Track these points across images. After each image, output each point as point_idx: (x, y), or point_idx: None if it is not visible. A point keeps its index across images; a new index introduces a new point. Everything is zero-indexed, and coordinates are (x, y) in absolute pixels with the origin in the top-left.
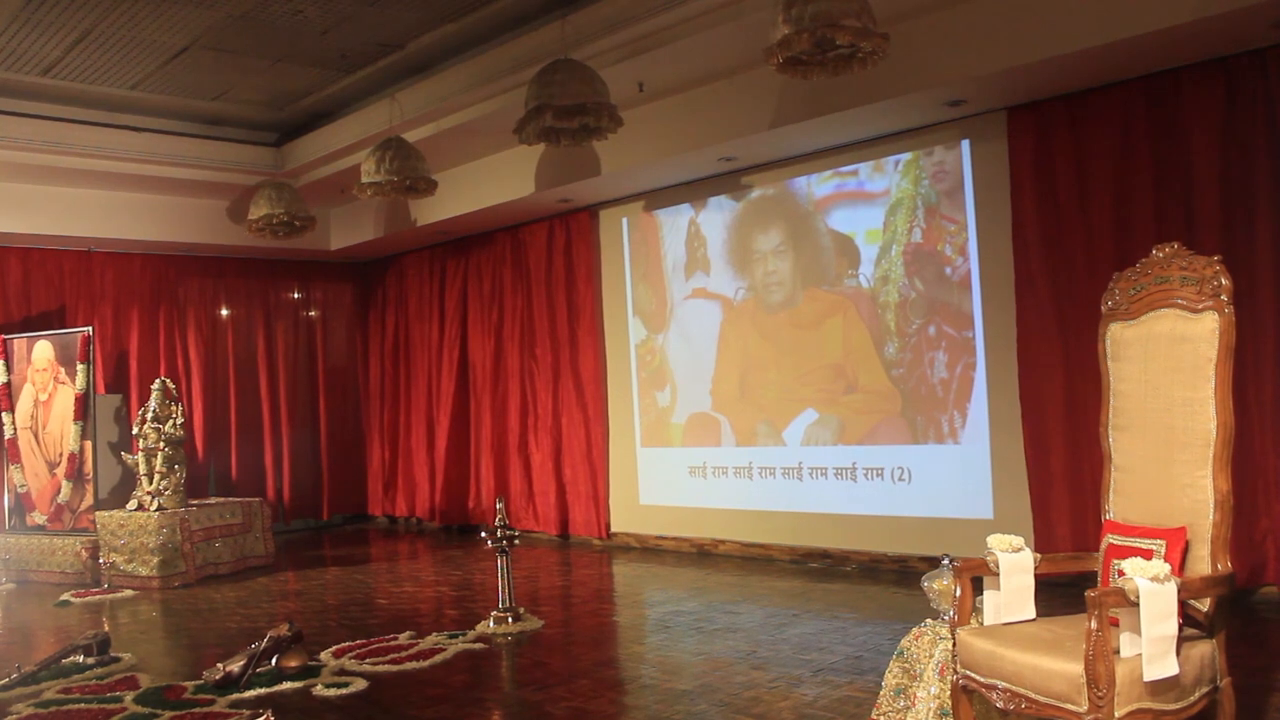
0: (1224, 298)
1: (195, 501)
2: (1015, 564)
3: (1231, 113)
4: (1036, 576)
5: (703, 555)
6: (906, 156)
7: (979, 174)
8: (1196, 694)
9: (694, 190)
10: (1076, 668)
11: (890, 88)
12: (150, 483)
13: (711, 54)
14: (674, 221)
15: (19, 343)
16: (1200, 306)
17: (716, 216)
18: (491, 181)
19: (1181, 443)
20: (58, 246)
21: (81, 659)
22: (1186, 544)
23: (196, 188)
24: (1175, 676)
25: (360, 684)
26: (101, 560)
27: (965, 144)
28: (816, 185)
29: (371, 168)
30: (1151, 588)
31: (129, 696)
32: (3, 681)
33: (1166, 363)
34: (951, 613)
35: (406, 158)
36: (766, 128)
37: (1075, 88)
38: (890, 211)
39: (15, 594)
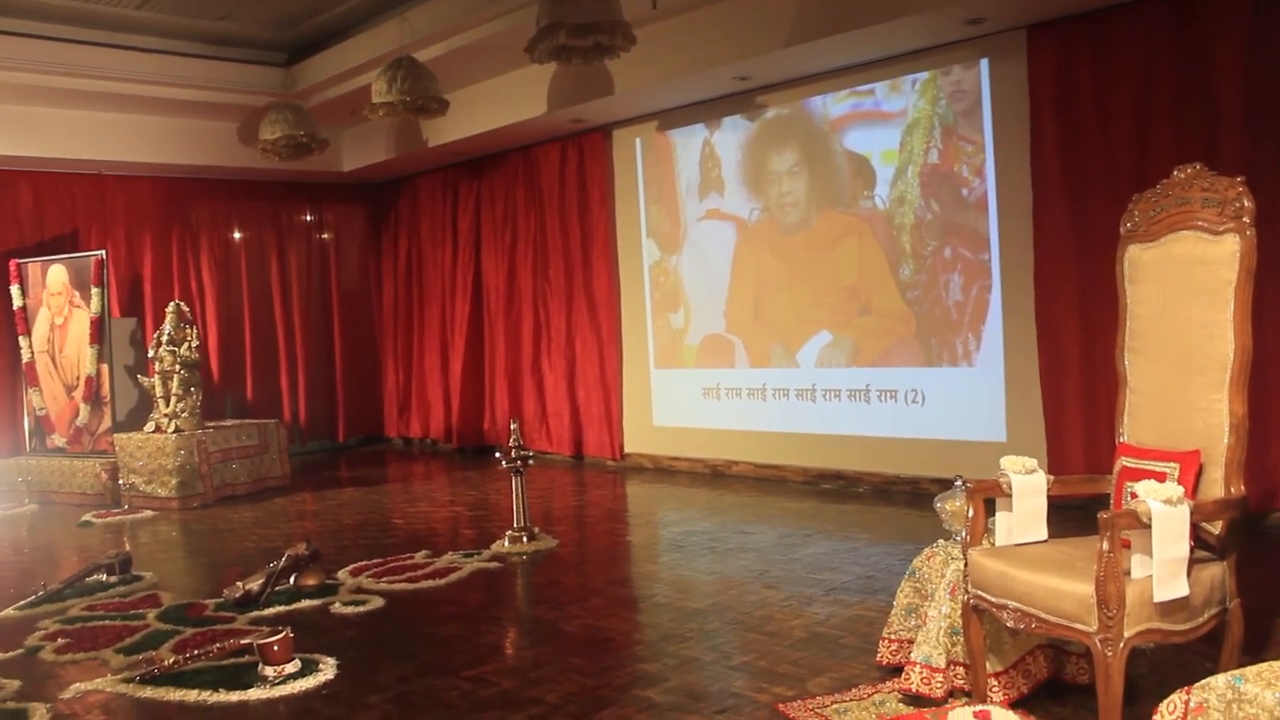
0: (1246, 220)
1: (212, 424)
2: (1028, 486)
3: (1258, 31)
4: (1049, 498)
5: (716, 476)
6: (924, 76)
7: (997, 94)
8: (1206, 615)
9: (708, 110)
10: (1087, 588)
11: (908, 4)
12: (167, 405)
13: None
14: (688, 142)
15: (33, 267)
16: (1221, 229)
17: (731, 137)
18: (503, 102)
19: (1198, 366)
20: (68, 170)
21: (104, 577)
22: (1200, 467)
23: (205, 109)
24: (1185, 598)
25: (377, 602)
26: (121, 482)
27: (984, 63)
28: (832, 105)
29: (382, 88)
30: (1164, 510)
31: (152, 614)
32: (29, 599)
33: (1185, 285)
34: (964, 533)
35: (418, 78)
36: (782, 46)
37: (1097, 5)
38: (907, 132)
39: (38, 514)
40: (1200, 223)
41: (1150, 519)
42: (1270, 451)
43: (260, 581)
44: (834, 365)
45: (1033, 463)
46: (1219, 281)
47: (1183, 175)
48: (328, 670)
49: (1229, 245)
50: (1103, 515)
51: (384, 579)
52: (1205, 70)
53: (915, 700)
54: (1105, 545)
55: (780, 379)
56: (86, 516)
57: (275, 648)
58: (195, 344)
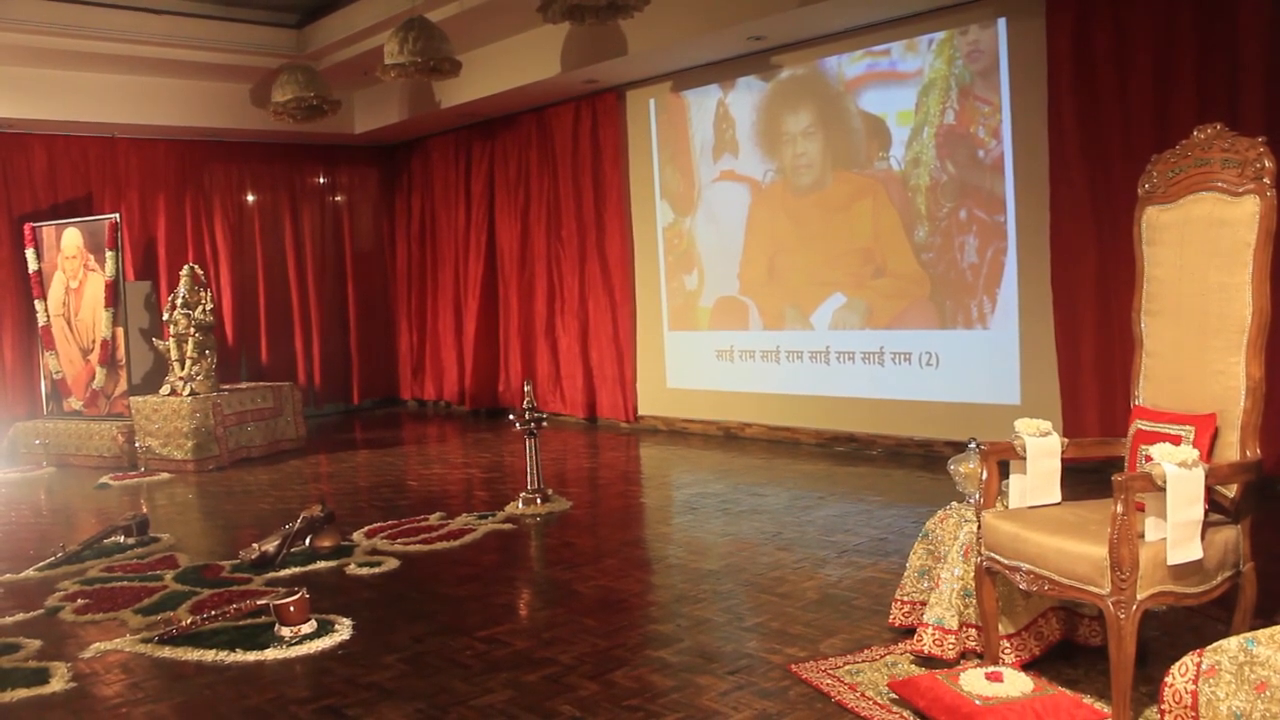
0: (1266, 181)
1: (227, 386)
2: (1042, 448)
3: None
4: (1063, 461)
5: (729, 438)
6: (940, 35)
7: (1015, 53)
8: (1219, 578)
9: (722, 70)
10: (1100, 551)
11: None
12: (182, 368)
13: None
14: (702, 103)
15: (47, 230)
16: (1241, 190)
17: (745, 97)
18: (516, 62)
19: (1215, 329)
20: (81, 133)
21: (122, 539)
22: (1216, 430)
23: (217, 71)
24: (1199, 561)
25: (392, 563)
26: (137, 444)
27: (1001, 22)
28: (847, 65)
29: (394, 49)
30: (1179, 473)
31: (169, 575)
32: (48, 560)
33: (1203, 247)
34: (977, 496)
35: (430, 38)
36: (797, 5)
37: None
38: (923, 92)
39: (56, 477)
40: (1220, 184)
41: (1165, 482)
42: None
43: (276, 543)
44: (848, 327)
45: (1047, 425)
46: (1238, 243)
47: (1202, 136)
48: (343, 631)
49: (1248, 206)
50: (1117, 478)
51: (399, 540)
52: (1227, 30)
53: (927, 662)
54: (1119, 508)
55: (794, 341)
56: (103, 479)
57: (291, 608)
58: (209, 307)
